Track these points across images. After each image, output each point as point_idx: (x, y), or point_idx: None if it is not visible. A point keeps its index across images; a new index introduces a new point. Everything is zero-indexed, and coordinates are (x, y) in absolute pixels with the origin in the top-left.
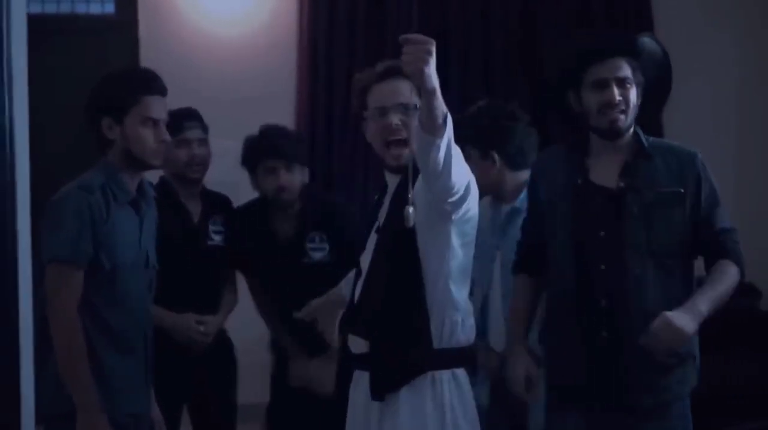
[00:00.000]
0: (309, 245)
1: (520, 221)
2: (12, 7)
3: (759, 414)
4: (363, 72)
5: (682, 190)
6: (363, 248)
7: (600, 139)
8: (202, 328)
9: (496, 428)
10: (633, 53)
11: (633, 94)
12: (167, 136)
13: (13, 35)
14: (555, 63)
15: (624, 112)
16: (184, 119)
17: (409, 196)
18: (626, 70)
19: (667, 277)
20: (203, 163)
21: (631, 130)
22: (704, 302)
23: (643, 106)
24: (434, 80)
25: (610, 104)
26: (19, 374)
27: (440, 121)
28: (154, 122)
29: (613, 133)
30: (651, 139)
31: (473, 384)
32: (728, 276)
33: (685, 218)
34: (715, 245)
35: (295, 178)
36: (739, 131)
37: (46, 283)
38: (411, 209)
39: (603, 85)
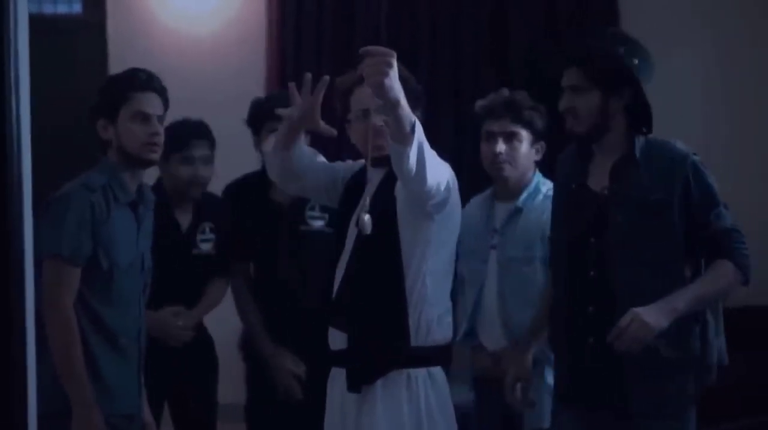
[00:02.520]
0: (309, 213)
1: (521, 221)
2: (18, 6)
3: (745, 412)
4: (345, 75)
5: (666, 198)
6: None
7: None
8: (180, 322)
9: (489, 426)
10: (582, 62)
11: (589, 98)
12: (159, 129)
13: (19, 34)
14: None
15: (576, 117)
16: (192, 136)
17: (367, 202)
18: (575, 79)
19: (662, 283)
20: (205, 183)
21: (620, 131)
22: (682, 299)
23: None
24: (396, 91)
25: (565, 111)
26: (26, 371)
27: (408, 130)
28: (145, 117)
29: (574, 138)
30: (651, 139)
31: (452, 381)
32: (718, 275)
33: (674, 223)
34: (712, 246)
35: None
36: (705, 131)
37: (44, 278)
38: (367, 217)
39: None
